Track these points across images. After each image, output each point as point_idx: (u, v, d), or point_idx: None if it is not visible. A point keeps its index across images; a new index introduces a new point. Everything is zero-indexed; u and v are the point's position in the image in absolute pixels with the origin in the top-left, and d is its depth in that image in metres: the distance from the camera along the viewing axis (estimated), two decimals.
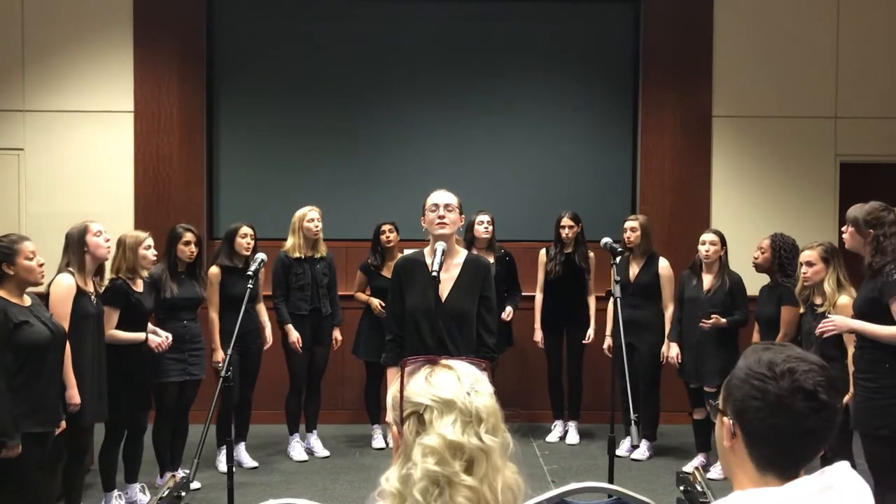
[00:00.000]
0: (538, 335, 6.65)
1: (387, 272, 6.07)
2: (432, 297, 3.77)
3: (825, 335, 4.26)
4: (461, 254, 4.01)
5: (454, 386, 1.62)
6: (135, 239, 5.03)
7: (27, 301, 4.00)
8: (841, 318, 4.19)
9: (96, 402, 4.60)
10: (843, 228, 4.29)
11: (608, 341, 6.33)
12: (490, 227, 6.49)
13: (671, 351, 6.00)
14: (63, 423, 4.19)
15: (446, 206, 3.88)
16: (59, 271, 4.54)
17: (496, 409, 1.63)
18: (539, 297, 6.66)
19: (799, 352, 1.54)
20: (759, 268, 5.67)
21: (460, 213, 3.97)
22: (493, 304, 4.03)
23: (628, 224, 6.30)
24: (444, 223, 3.85)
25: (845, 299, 4.58)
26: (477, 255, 4.45)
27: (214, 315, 5.75)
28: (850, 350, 4.41)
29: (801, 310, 4.96)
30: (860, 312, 4.13)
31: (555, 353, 6.71)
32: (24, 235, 4.11)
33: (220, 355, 5.64)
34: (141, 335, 4.98)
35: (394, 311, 4.02)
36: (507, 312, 6.42)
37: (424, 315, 3.83)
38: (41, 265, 4.01)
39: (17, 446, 3.77)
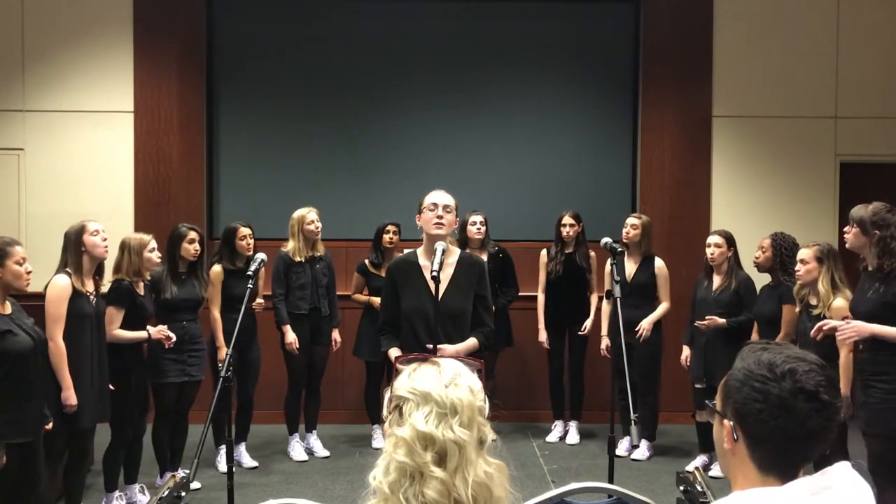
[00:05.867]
0: (542, 335, 6.64)
1: (384, 272, 6.07)
2: (428, 298, 3.76)
3: (847, 341, 4.13)
4: (455, 253, 4.01)
5: (433, 379, 1.63)
6: (139, 242, 5.01)
7: (8, 308, 3.90)
8: (860, 323, 4.04)
9: (97, 402, 4.58)
10: (846, 228, 4.26)
11: (605, 342, 6.33)
12: (482, 228, 6.49)
13: (682, 354, 6.01)
14: (50, 424, 4.10)
15: (445, 206, 3.88)
16: (58, 271, 4.50)
17: (473, 403, 1.62)
18: (541, 297, 6.66)
19: (797, 351, 1.54)
20: (760, 267, 5.67)
21: (456, 215, 3.97)
22: (490, 303, 4.05)
23: (630, 220, 6.28)
24: (442, 224, 3.85)
25: (840, 302, 4.56)
26: (470, 253, 4.45)
27: (217, 314, 5.75)
28: (843, 352, 4.42)
29: (798, 309, 4.96)
30: (871, 316, 4.04)
31: (557, 353, 6.71)
32: (15, 239, 4.02)
33: (224, 353, 5.63)
34: (143, 333, 4.97)
35: (387, 313, 4.00)
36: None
37: (421, 315, 3.83)
38: (29, 273, 3.93)
39: (2, 457, 3.70)
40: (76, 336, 4.46)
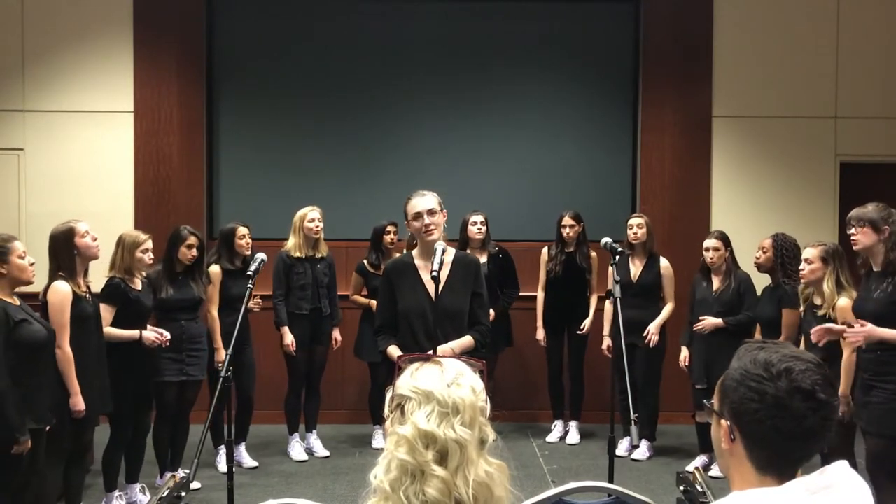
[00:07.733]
0: (540, 334, 6.65)
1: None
2: (426, 298, 3.77)
3: (854, 345, 4.11)
4: (450, 252, 4.02)
5: (435, 378, 1.64)
6: (133, 240, 5.00)
7: (16, 302, 3.99)
8: (870, 328, 3.97)
9: (99, 398, 4.59)
10: (853, 230, 4.19)
11: (607, 342, 6.33)
12: (483, 228, 6.49)
13: (681, 355, 5.99)
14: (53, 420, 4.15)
15: (429, 211, 3.88)
16: (51, 277, 4.45)
17: (475, 402, 1.63)
18: (541, 296, 6.67)
19: (794, 350, 1.54)
20: (760, 268, 5.65)
21: (442, 209, 3.96)
22: (486, 301, 4.07)
23: (634, 221, 6.29)
24: (432, 230, 3.88)
25: (844, 301, 4.52)
26: (465, 253, 4.48)
27: (215, 313, 5.73)
28: (847, 352, 4.36)
29: (802, 309, 4.94)
30: (877, 316, 4.01)
31: (555, 353, 6.71)
32: (12, 235, 4.09)
33: (223, 354, 5.63)
34: (135, 333, 4.93)
35: (384, 314, 4.01)
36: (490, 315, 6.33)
37: (418, 316, 3.85)
38: (32, 264, 4.01)
39: (27, 441, 3.80)
40: (82, 338, 4.46)
